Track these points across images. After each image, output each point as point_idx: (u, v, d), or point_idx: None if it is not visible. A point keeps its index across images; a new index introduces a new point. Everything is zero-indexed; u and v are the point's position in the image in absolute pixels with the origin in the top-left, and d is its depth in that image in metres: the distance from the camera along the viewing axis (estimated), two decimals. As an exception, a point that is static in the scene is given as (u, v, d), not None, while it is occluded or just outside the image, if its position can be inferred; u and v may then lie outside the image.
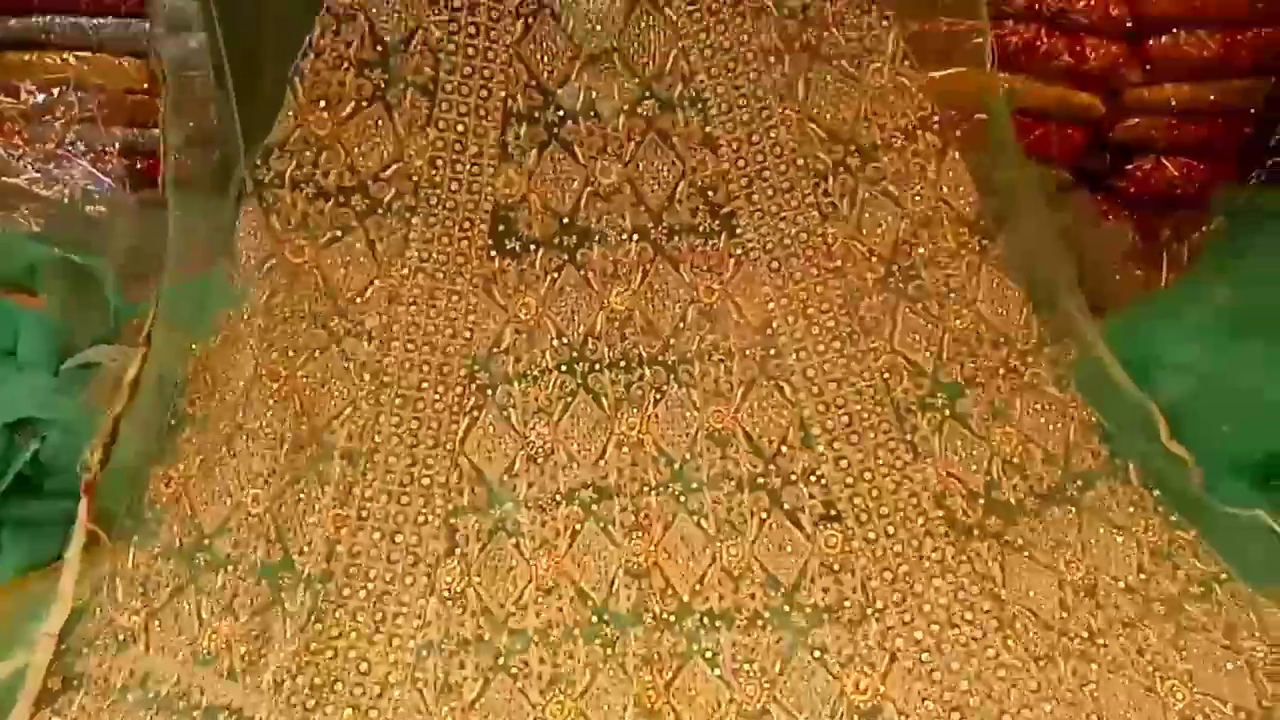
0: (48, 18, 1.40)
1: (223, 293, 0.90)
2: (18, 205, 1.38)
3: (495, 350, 0.86)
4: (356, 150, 0.84)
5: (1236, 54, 1.13)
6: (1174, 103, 1.17)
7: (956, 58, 0.92)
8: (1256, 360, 0.89)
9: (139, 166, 1.46)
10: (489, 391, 0.85)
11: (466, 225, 0.85)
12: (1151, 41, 1.15)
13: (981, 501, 0.79)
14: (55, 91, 1.43)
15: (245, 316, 0.84)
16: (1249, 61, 1.14)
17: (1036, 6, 1.13)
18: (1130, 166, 1.21)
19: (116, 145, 1.45)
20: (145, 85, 1.43)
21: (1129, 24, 1.14)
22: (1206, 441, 0.83)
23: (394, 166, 0.84)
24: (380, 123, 0.84)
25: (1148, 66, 1.15)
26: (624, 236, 0.86)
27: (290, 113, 0.82)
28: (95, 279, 1.23)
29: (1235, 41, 1.13)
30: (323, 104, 0.82)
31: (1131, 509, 0.79)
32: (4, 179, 1.42)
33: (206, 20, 0.83)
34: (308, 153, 0.83)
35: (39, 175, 1.43)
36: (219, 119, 0.92)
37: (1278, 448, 0.84)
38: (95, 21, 1.40)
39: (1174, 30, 1.14)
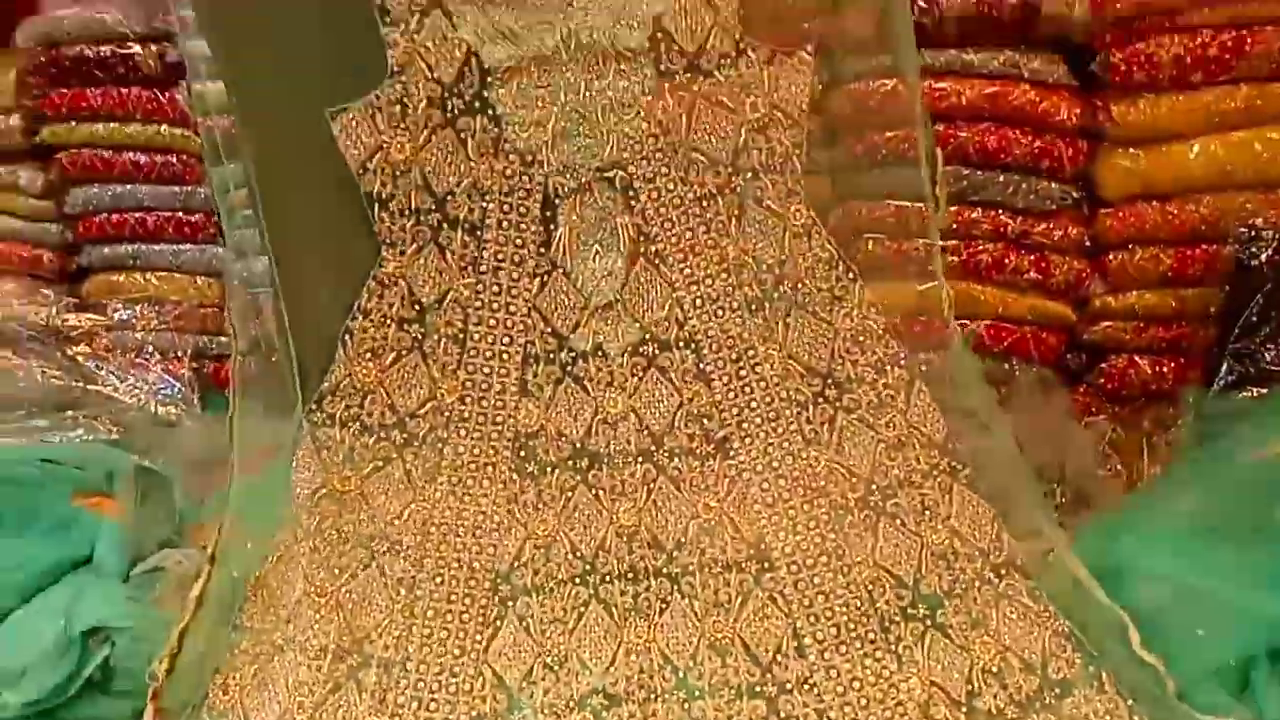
0: (136, 245, 1.60)
1: (281, 501, 1.02)
2: (99, 413, 1.54)
3: (516, 564, 0.95)
4: (397, 393, 0.97)
5: (1188, 267, 1.23)
6: (1138, 309, 1.26)
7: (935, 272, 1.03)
8: (1227, 566, 0.92)
9: (206, 370, 1.63)
10: (510, 603, 0.93)
11: (491, 453, 0.97)
12: (1110, 257, 1.25)
13: (964, 710, 0.84)
14: (138, 308, 1.61)
15: (298, 539, 0.95)
16: (1201, 274, 1.23)
17: (1002, 230, 1.26)
18: (1105, 365, 1.29)
19: (188, 351, 1.62)
20: (216, 300, 1.60)
21: (1087, 243, 1.25)
22: (1181, 647, 0.86)
23: (429, 405, 0.97)
24: (417, 369, 0.97)
25: (1109, 279, 1.26)
26: (630, 459, 0.96)
27: (341, 365, 0.96)
28: (164, 482, 1.35)
29: (1186, 256, 1.23)
30: (369, 356, 0.96)
31: (1107, 717, 0.83)
32: (88, 387, 1.59)
33: (273, 283, 0.98)
34: (355, 397, 0.96)
35: (119, 382, 1.60)
36: (277, 339, 1.06)
37: (1251, 653, 0.87)
38: (175, 248, 1.59)
39: (1130, 247, 1.24)
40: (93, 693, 0.98)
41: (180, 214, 1.55)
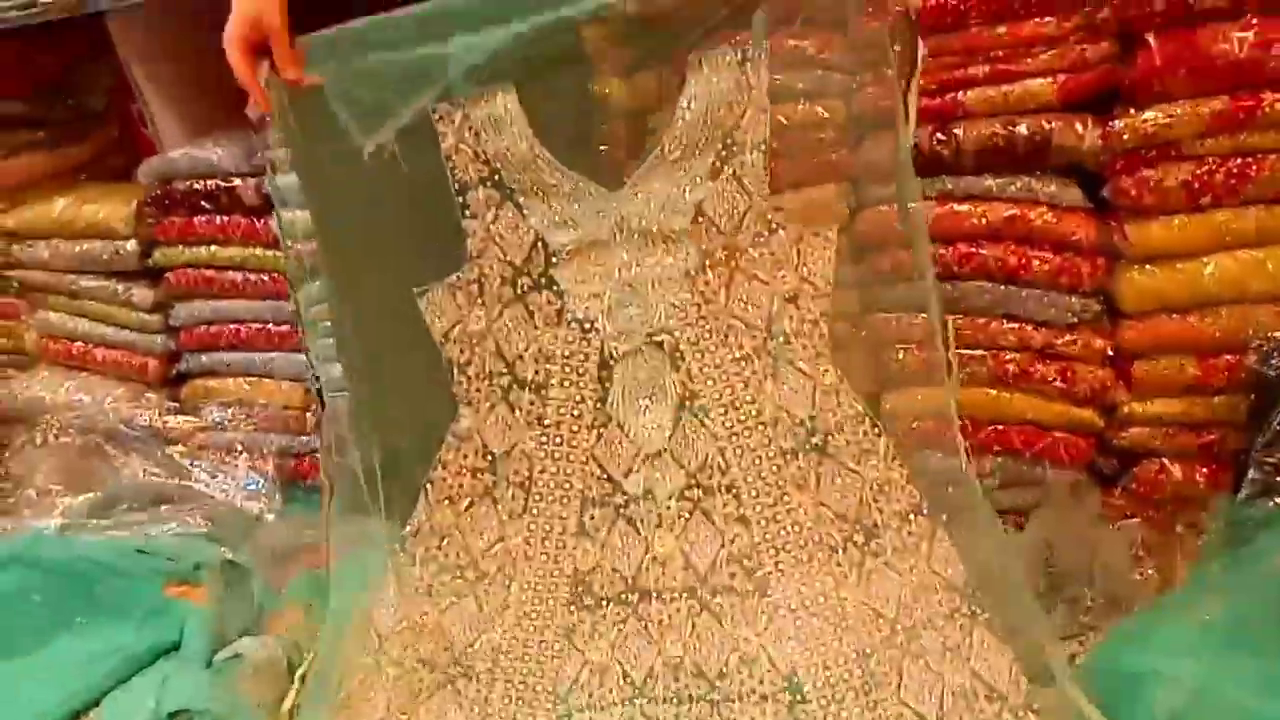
0: (230, 354, 1.76)
1: (354, 592, 1.13)
2: (191, 507, 1.69)
3: (573, 686, 1.05)
4: (470, 534, 1.08)
5: (1213, 376, 1.24)
6: (1165, 416, 1.28)
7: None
8: (1249, 674, 0.94)
9: (288, 467, 1.77)
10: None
11: (552, 587, 1.07)
12: (1134, 366, 1.27)
13: (981, 842, 0.91)
14: (230, 410, 1.77)
15: (381, 666, 1.07)
16: (1225, 382, 1.24)
17: (1027, 341, 1.30)
18: (1138, 470, 1.31)
19: (273, 449, 1.76)
20: (300, 403, 1.75)
21: (1110, 353, 1.28)
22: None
23: (498, 545, 1.08)
24: (488, 512, 1.08)
25: (1134, 387, 1.27)
26: (676, 595, 1.06)
27: (422, 511, 1.08)
28: (245, 573, 1.48)
29: (1210, 365, 1.24)
30: (447, 503, 1.08)
31: None
32: (183, 483, 1.75)
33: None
34: (434, 539, 1.08)
35: (210, 479, 1.75)
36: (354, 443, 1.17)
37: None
38: (265, 355, 1.74)
39: (1153, 356, 1.26)
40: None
41: (270, 325, 1.71)
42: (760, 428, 1.04)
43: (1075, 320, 1.29)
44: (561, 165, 0.99)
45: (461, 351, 1.06)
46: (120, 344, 1.80)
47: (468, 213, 1.02)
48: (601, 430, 1.07)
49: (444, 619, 1.07)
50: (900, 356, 1.27)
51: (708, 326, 1.04)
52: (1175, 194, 1.20)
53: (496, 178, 1.01)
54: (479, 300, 1.04)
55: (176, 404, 1.80)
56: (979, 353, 1.35)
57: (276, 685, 1.23)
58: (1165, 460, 1.32)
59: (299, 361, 1.72)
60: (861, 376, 1.12)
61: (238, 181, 1.63)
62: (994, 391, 1.35)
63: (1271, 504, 1.18)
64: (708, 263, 1.02)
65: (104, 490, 1.70)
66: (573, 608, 1.07)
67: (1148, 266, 1.25)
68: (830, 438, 1.04)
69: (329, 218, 1.07)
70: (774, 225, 1.02)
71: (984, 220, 1.29)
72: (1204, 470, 1.31)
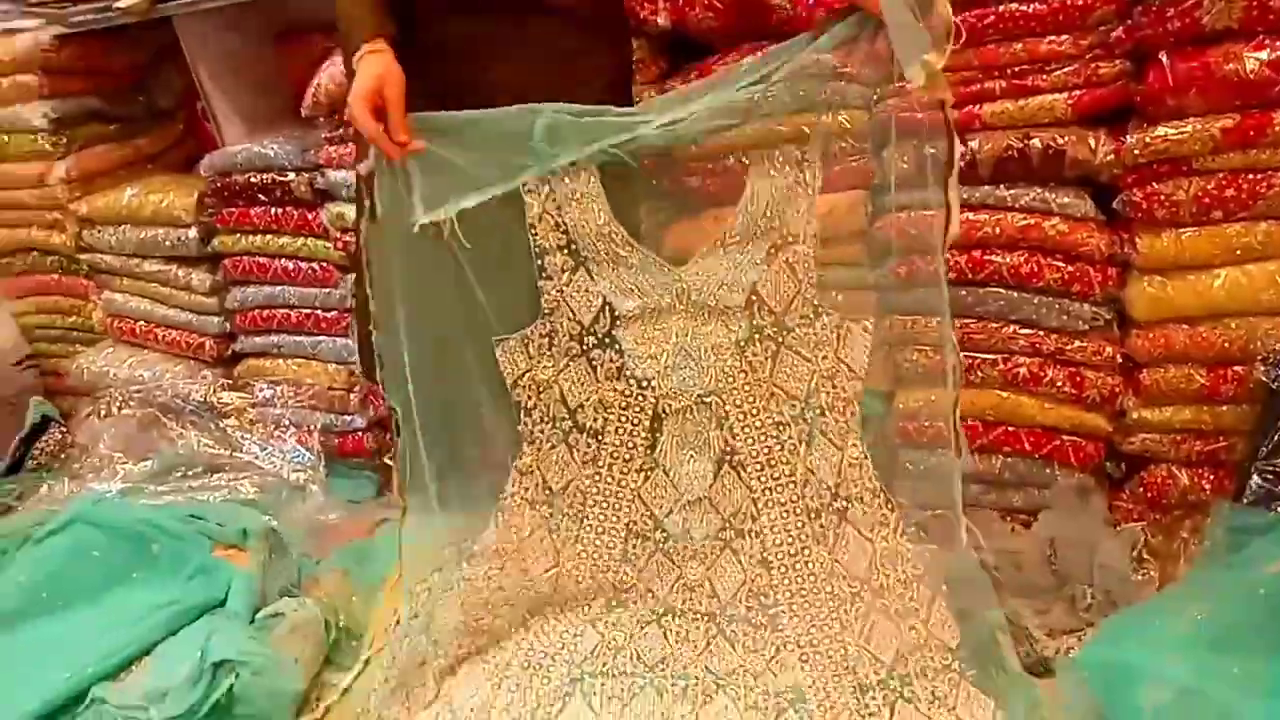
0: (280, 336, 1.86)
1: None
2: (241, 477, 1.81)
3: (589, 658, 1.19)
4: (529, 558, 1.21)
5: (1220, 386, 1.27)
6: (1175, 423, 1.31)
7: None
8: (1235, 674, 0.97)
9: (334, 443, 1.88)
10: (578, 683, 1.17)
11: (592, 597, 1.22)
12: (1144, 374, 1.30)
13: None
14: (279, 388, 1.87)
15: (435, 657, 1.20)
16: (1234, 392, 1.26)
17: (1038, 346, 1.34)
18: (1145, 474, 1.34)
19: (318, 425, 1.88)
20: (344, 384, 1.85)
21: (1120, 360, 1.31)
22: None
23: (552, 570, 1.22)
24: (544, 540, 1.21)
25: (1143, 394, 1.30)
26: (698, 617, 1.20)
27: (490, 539, 1.21)
28: (288, 539, 1.60)
29: (1219, 375, 1.26)
30: (512, 530, 1.21)
31: None
32: (234, 454, 1.86)
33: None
34: (496, 561, 1.21)
35: (259, 451, 1.86)
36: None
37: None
38: (313, 339, 1.84)
39: (1163, 365, 1.27)
40: (219, 715, 1.20)
41: (319, 311, 1.81)
42: (791, 485, 1.17)
43: (1086, 328, 1.32)
44: (632, 239, 1.10)
45: (529, 397, 1.18)
46: (180, 324, 1.89)
47: (544, 274, 1.13)
48: (649, 474, 1.20)
49: (496, 624, 1.22)
50: (914, 357, 1.33)
51: (752, 392, 1.16)
52: (1186, 208, 1.22)
53: (572, 245, 1.11)
54: (548, 353, 1.16)
55: (230, 381, 1.90)
56: (991, 357, 1.37)
57: (313, 642, 1.34)
58: (1172, 466, 1.35)
59: (344, 346, 1.81)
60: (879, 375, 1.20)
61: (291, 176, 1.70)
62: (1005, 394, 1.39)
63: (1271, 511, 1.21)
64: (757, 336, 1.14)
65: (161, 459, 1.80)
66: (604, 612, 1.21)
67: (1158, 277, 1.27)
68: (850, 506, 1.16)
69: (408, 256, 1.10)
70: (819, 310, 1.13)
71: (999, 229, 1.31)
72: (1210, 477, 1.34)
